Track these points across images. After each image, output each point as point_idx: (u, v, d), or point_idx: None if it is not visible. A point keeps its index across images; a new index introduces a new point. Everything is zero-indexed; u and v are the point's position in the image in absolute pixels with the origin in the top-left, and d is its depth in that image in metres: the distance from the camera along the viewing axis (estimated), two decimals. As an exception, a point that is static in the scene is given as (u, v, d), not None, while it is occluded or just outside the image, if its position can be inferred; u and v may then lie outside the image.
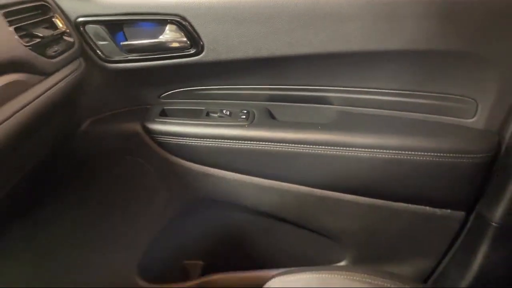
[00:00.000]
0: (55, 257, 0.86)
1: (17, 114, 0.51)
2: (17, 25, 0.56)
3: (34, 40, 0.58)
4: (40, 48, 0.58)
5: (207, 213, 0.84)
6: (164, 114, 0.77)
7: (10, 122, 0.50)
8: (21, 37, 0.55)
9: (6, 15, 0.54)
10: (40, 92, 0.56)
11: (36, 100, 0.55)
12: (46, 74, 0.59)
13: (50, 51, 0.60)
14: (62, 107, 0.65)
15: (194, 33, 0.69)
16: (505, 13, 0.61)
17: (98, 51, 0.71)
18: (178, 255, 0.89)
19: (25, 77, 0.54)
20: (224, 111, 0.76)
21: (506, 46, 0.63)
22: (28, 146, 0.61)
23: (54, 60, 0.60)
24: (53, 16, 0.65)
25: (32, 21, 0.60)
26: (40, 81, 0.57)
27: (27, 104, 0.53)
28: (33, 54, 0.56)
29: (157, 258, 0.87)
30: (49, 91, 0.58)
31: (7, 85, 0.51)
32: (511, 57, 0.63)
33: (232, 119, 0.75)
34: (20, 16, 0.58)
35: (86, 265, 0.85)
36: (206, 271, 0.90)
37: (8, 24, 0.54)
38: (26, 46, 0.55)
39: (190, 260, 0.90)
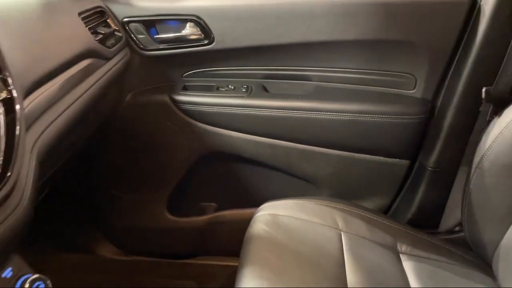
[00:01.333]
0: (103, 193, 1.15)
1: (93, 87, 0.78)
2: (88, 26, 0.82)
3: (99, 36, 0.84)
4: (103, 41, 0.85)
5: (218, 164, 1.11)
6: (185, 88, 1.04)
7: (90, 91, 0.77)
8: (91, 33, 0.82)
9: (83, 19, 0.81)
10: (105, 71, 0.83)
11: (104, 77, 0.82)
12: (107, 59, 0.86)
13: (109, 43, 0.87)
14: (116, 83, 0.92)
15: (207, 28, 0.95)
16: (427, 11, 0.85)
17: (138, 42, 0.98)
18: (196, 197, 1.17)
19: (96, 61, 0.81)
20: (230, 86, 1.02)
21: (430, 35, 0.87)
22: (97, 110, 0.88)
23: (111, 49, 0.87)
24: (107, 18, 0.92)
25: (96, 22, 0.87)
26: (104, 64, 0.84)
27: (99, 79, 0.80)
28: (100, 45, 0.83)
29: (181, 199, 1.15)
30: (110, 71, 0.85)
31: (87, 66, 0.77)
32: (435, 42, 0.87)
33: (235, 92, 1.01)
34: (89, 19, 0.84)
35: (129, 203, 1.14)
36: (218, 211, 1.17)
37: (84, 25, 0.80)
38: (96, 40, 0.82)
39: (205, 202, 1.18)
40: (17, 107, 0.48)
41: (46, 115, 0.62)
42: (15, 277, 0.46)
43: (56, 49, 0.68)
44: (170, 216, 1.14)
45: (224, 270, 1.17)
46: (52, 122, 0.63)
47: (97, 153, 1.08)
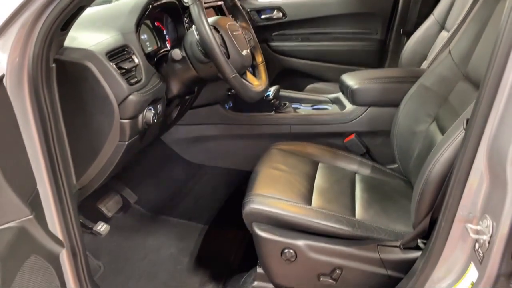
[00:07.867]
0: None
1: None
2: (240, 12, 2.12)
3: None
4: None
5: (287, 74, 2.36)
6: (273, 39, 2.32)
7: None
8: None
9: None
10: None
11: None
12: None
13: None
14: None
15: (284, 12, 2.23)
16: None
17: (253, 19, 2.28)
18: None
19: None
20: (293, 38, 2.29)
21: (381, 8, 2.07)
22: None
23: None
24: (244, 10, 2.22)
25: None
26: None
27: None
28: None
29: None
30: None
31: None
32: (383, 11, 2.07)
33: (294, 39, 2.28)
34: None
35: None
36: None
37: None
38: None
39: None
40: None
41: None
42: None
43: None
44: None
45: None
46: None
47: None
